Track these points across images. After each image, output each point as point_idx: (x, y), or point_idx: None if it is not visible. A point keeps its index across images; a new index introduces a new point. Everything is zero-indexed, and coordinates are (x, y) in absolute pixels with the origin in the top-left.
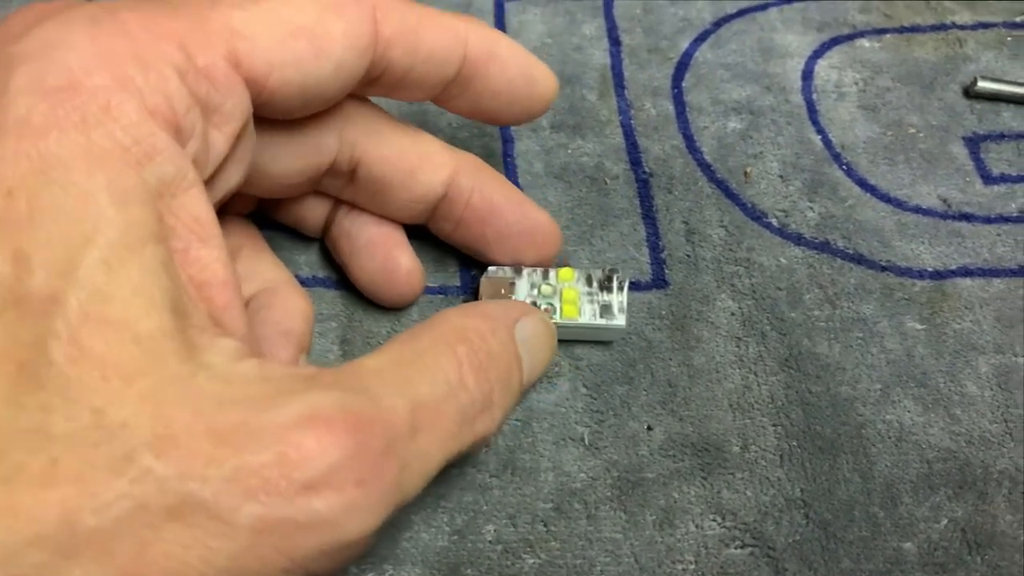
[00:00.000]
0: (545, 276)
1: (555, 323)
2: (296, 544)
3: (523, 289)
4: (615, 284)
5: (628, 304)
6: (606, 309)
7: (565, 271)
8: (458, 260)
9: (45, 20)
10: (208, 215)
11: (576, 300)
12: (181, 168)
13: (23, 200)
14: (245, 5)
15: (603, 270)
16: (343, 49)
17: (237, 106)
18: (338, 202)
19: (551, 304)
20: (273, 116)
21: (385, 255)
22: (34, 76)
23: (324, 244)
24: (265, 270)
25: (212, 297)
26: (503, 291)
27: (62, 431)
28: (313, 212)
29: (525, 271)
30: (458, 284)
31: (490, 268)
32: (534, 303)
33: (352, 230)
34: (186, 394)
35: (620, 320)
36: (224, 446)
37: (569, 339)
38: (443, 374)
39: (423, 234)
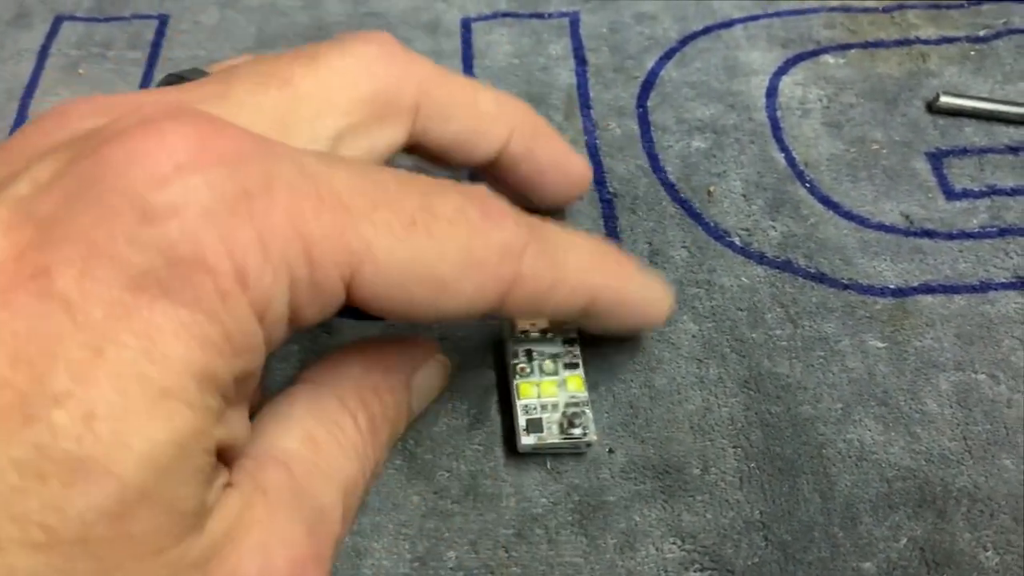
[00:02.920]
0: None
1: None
2: None
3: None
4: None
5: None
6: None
7: (575, 380)
8: None
9: (198, 171)
10: (256, 385)
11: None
12: (262, 361)
13: (110, 361)
14: (395, 228)
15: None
16: (461, 308)
17: (319, 315)
18: None
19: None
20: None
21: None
22: (167, 238)
23: None
24: None
25: (238, 448)
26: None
27: None
28: None
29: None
30: None
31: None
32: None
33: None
34: (197, 556)
35: (523, 440)
36: None
37: None
38: (353, 449)
39: None
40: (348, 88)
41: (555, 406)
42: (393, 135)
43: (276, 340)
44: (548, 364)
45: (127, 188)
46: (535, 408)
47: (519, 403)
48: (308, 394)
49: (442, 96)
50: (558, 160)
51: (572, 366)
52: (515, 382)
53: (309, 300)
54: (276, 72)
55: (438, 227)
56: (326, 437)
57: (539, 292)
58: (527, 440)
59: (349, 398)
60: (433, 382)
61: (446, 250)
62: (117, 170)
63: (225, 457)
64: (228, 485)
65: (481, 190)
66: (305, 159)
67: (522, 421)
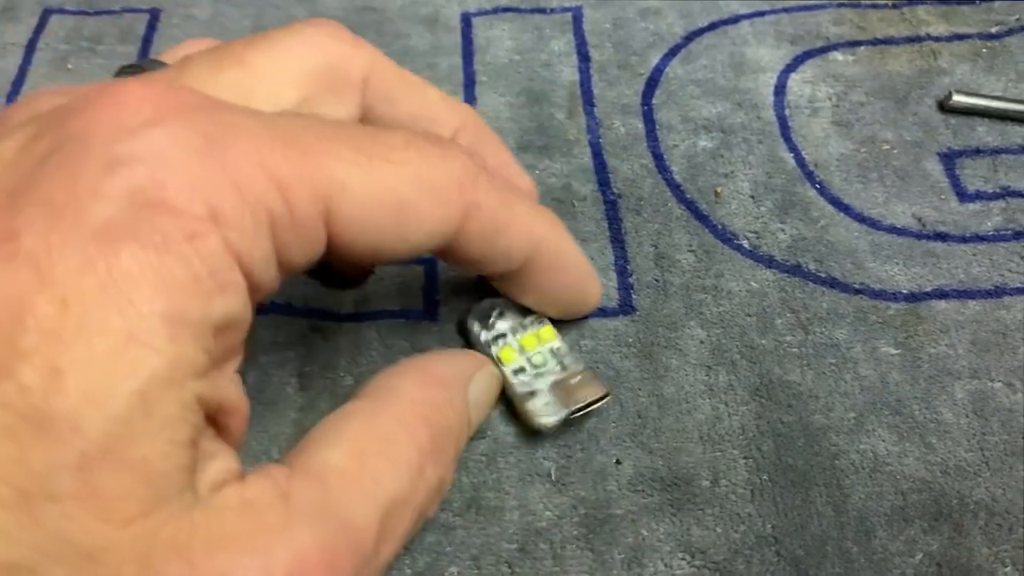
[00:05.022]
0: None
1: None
2: None
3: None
4: (579, 397)
5: (588, 350)
6: (534, 396)
7: (547, 331)
8: (423, 283)
9: (160, 123)
10: (244, 337)
11: (515, 362)
12: (244, 307)
13: (75, 313)
14: (358, 160)
15: (584, 369)
16: (425, 236)
17: (307, 256)
18: None
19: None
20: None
21: None
22: (131, 185)
23: None
24: None
25: (229, 413)
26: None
27: None
28: None
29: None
30: (420, 308)
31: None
32: (503, 335)
33: None
34: (178, 536)
35: (543, 419)
36: None
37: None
38: (406, 466)
39: None
40: (299, 63)
41: (543, 363)
42: (345, 109)
43: (267, 284)
44: (513, 324)
45: (90, 146)
46: (525, 371)
47: (506, 370)
48: (364, 410)
49: (390, 77)
50: (502, 167)
51: (538, 322)
52: (495, 352)
53: (293, 241)
54: (230, 54)
55: (395, 155)
56: (375, 453)
57: (493, 226)
58: (547, 419)
59: (408, 415)
60: (487, 395)
61: (406, 174)
62: (81, 133)
63: (221, 430)
64: (239, 479)
65: (423, 130)
66: (258, 112)
67: (536, 402)
